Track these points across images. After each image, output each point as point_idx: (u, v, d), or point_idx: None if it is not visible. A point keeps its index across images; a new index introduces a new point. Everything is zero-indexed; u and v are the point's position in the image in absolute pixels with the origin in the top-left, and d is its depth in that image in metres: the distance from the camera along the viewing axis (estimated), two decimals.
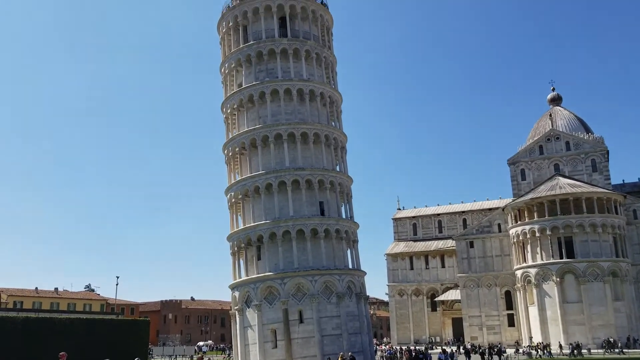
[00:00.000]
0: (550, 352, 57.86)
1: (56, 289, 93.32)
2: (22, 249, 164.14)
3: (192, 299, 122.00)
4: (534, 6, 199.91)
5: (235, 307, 50.99)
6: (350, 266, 51.98)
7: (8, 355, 27.50)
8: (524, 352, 57.37)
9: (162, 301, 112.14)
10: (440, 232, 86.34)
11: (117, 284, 72.97)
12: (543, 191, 66.32)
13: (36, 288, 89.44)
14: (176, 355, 71.89)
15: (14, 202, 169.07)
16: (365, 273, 53.41)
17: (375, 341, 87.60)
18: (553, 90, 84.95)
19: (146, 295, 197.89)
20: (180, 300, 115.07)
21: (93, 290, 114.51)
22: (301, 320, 47.35)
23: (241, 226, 52.11)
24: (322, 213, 50.78)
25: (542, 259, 63.78)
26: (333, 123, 55.34)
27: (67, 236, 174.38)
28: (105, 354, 34.98)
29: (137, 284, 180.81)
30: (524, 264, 65.86)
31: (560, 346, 58.89)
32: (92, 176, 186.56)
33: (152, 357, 66.86)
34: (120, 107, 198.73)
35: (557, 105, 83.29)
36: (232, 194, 52.73)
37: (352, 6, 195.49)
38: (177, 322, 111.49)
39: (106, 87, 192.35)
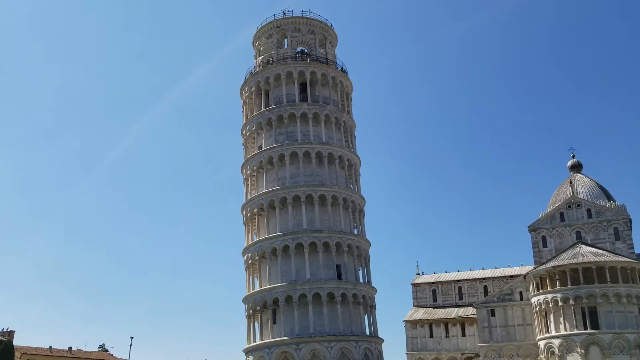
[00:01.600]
0: None
1: (70, 348, 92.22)
2: (37, 307, 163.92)
3: None
4: (554, 72, 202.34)
5: None
6: (368, 332, 51.04)
7: None
8: None
9: None
10: (461, 298, 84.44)
11: (130, 345, 71.96)
12: (565, 259, 65.02)
13: (50, 347, 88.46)
14: None
15: (31, 261, 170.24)
16: (383, 340, 52.34)
17: None
18: (573, 157, 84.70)
19: (161, 357, 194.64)
20: None
21: (107, 350, 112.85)
22: None
23: (257, 288, 51.81)
24: (340, 277, 50.42)
25: (565, 330, 61.76)
26: (351, 186, 55.71)
27: (82, 294, 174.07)
28: None
29: (152, 345, 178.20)
30: (547, 334, 63.76)
31: None
32: (109, 233, 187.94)
33: None
34: (135, 168, 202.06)
35: (578, 172, 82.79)
36: (249, 254, 52.74)
37: (374, 72, 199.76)
38: None
39: (117, 146, 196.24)
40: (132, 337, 73.66)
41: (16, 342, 75.54)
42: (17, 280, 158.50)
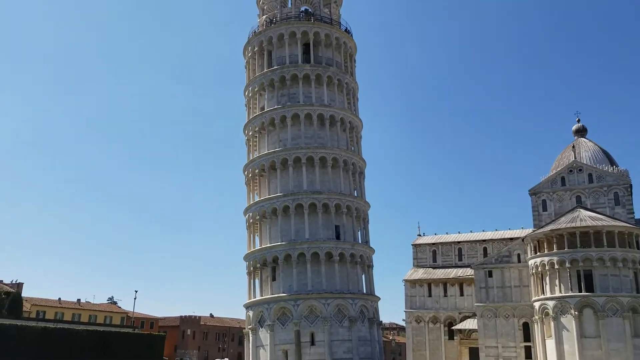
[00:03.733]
0: None
1: (78, 300, 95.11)
2: (47, 259, 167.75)
3: (211, 315, 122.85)
4: (562, 36, 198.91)
5: (249, 326, 51.66)
6: (365, 291, 52.31)
7: None
8: None
9: (181, 317, 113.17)
10: (460, 260, 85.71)
11: (135, 298, 75.86)
12: (563, 223, 65.62)
13: (59, 298, 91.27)
14: None
15: (39, 215, 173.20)
16: (379, 298, 53.62)
17: None
18: (578, 121, 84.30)
19: (166, 311, 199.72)
20: (199, 317, 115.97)
21: (115, 303, 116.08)
22: (313, 343, 47.77)
23: (258, 246, 53.01)
24: (338, 237, 51.42)
25: (560, 292, 62.89)
26: (353, 148, 56.12)
27: (92, 249, 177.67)
28: None
29: (158, 299, 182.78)
30: (542, 296, 64.96)
31: None
32: (115, 191, 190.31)
33: None
34: (142, 125, 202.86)
35: (582, 137, 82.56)
36: (250, 214, 53.74)
37: (377, 30, 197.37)
38: (195, 338, 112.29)
39: (129, 105, 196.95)
40: (136, 291, 76.99)
41: (25, 293, 78.05)
42: (25, 233, 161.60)
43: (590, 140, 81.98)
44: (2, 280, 67.82)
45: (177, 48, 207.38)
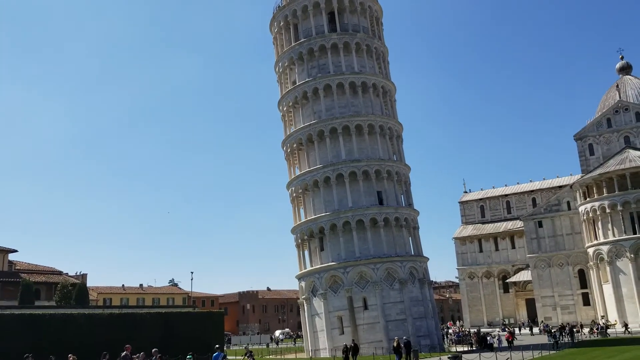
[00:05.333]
0: (629, 331, 56.23)
1: (141, 285, 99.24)
2: (108, 249, 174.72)
3: (268, 289, 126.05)
4: None
5: (303, 297, 53.02)
6: (412, 253, 52.74)
7: (98, 349, 30.52)
8: (598, 330, 56.16)
9: (240, 292, 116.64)
10: (509, 212, 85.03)
11: (191, 279, 79.32)
12: (612, 165, 64.06)
13: (123, 285, 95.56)
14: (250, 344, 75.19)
15: (98, 206, 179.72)
16: (428, 259, 54.00)
17: (449, 323, 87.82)
18: (622, 58, 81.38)
19: (226, 288, 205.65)
20: (257, 291, 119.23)
21: (176, 285, 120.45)
22: (365, 307, 48.73)
23: (303, 219, 53.99)
24: (381, 202, 51.78)
25: (614, 236, 61.83)
26: (387, 113, 55.96)
27: (149, 234, 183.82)
28: (184, 345, 37.90)
29: (217, 277, 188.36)
30: (596, 242, 64.03)
31: None
32: (164, 177, 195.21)
33: (230, 346, 70.36)
34: (186, 108, 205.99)
35: (627, 75, 79.82)
36: (293, 188, 54.65)
37: None
38: (255, 312, 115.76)
39: (169, 88, 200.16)
40: (192, 272, 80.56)
41: (90, 283, 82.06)
42: (85, 225, 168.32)
43: (636, 77, 79.22)
44: (67, 273, 71.43)
45: (206, 32, 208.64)
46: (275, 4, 59.22)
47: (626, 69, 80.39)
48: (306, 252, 54.07)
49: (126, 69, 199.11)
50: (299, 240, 53.71)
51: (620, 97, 71.90)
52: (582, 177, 68.02)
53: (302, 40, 55.42)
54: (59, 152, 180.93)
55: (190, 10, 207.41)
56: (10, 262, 64.71)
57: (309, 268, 52.76)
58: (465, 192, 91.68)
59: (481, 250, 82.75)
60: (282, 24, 57.44)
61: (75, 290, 57.72)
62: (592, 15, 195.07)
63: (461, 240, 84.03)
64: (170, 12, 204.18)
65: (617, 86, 74.99)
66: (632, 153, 65.43)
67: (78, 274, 74.39)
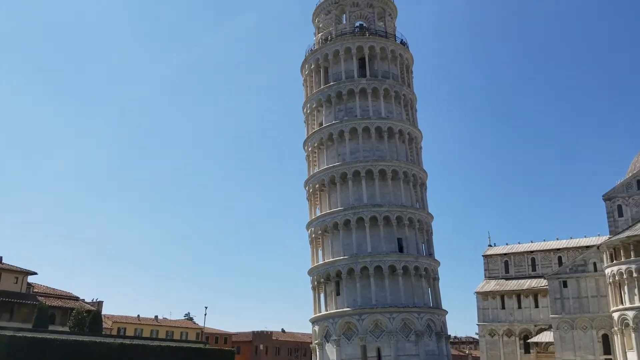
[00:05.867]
0: None
1: (156, 316, 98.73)
2: (126, 277, 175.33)
3: (283, 330, 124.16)
4: (632, 37, 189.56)
5: (316, 341, 52.01)
6: (431, 304, 51.57)
7: None
8: None
9: (253, 332, 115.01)
10: (534, 270, 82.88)
11: (205, 314, 78.40)
12: None
13: (138, 315, 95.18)
14: None
15: (117, 234, 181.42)
16: (447, 312, 52.69)
17: None
18: None
19: (239, 325, 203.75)
20: (271, 332, 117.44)
21: (191, 319, 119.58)
22: (379, 358, 47.53)
23: (321, 261, 53.46)
24: (401, 250, 51.08)
25: None
26: (412, 159, 55.77)
27: (168, 266, 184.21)
28: None
29: (232, 314, 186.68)
30: (621, 306, 61.71)
31: None
32: (188, 209, 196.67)
33: None
34: (207, 143, 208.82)
35: None
36: (313, 229, 54.35)
37: (436, 38, 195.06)
38: (268, 353, 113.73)
39: (197, 122, 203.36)
40: (206, 307, 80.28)
41: (106, 311, 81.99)
42: (104, 252, 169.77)
43: None
44: (84, 299, 71.58)
45: (240, 69, 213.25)
46: (308, 47, 60.42)
47: None
48: (322, 296, 53.32)
49: (154, 105, 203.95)
50: (315, 283, 53.07)
51: None
52: (609, 238, 66.17)
53: (332, 83, 56.08)
54: (83, 174, 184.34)
55: (225, 48, 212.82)
56: (29, 284, 65.14)
57: (323, 312, 51.93)
58: (490, 245, 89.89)
59: (503, 307, 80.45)
60: (313, 66, 58.34)
61: (90, 317, 57.59)
62: (624, 77, 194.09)
63: (483, 295, 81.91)
64: (206, 49, 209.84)
65: None
66: None
67: (94, 300, 74.48)
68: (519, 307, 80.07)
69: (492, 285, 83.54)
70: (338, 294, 51.04)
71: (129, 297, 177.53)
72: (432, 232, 54.98)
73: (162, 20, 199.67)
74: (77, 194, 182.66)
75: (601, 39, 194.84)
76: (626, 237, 62.13)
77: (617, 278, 62.65)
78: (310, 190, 55.63)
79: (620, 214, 68.77)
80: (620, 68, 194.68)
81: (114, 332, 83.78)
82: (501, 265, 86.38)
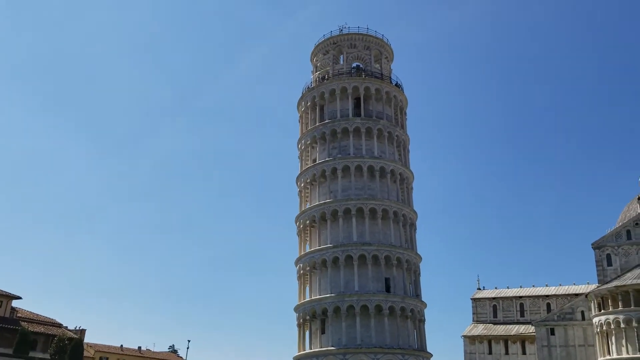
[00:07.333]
0: None
1: (139, 347, 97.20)
2: (111, 306, 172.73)
3: None
4: (624, 86, 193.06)
5: None
6: (416, 346, 51.20)
7: None
8: None
9: None
10: (522, 315, 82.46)
11: (188, 348, 77.15)
12: (629, 279, 62.40)
13: (121, 346, 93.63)
14: None
15: (104, 262, 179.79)
16: (431, 355, 52.28)
17: None
18: None
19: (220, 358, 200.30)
20: None
21: (176, 352, 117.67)
22: None
23: (308, 298, 53.20)
24: (388, 290, 50.99)
25: (627, 353, 59.24)
26: (403, 200, 56.13)
27: (153, 297, 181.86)
28: None
29: (216, 347, 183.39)
30: (608, 357, 61.33)
31: None
32: (173, 242, 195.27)
33: None
34: (190, 174, 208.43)
35: None
36: (301, 265, 54.27)
37: (430, 81, 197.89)
38: None
39: (182, 154, 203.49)
40: (189, 341, 78.97)
41: (88, 339, 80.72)
42: (89, 279, 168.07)
43: None
44: (67, 327, 70.55)
45: (233, 99, 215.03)
46: (305, 85, 61.41)
47: None
48: (307, 333, 52.89)
49: (145, 135, 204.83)
50: (301, 320, 52.71)
51: None
52: (598, 287, 66.23)
53: (327, 121, 56.84)
54: (69, 200, 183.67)
55: (220, 80, 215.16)
56: (13, 309, 64.28)
57: (307, 350, 51.44)
58: (479, 288, 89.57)
59: (490, 352, 79.71)
60: (309, 103, 59.19)
61: (72, 345, 56.81)
62: (616, 126, 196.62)
63: (470, 339, 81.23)
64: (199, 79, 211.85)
65: (639, 199, 74.36)
66: None
67: (77, 328, 73.30)
68: (506, 352, 79.33)
69: (480, 329, 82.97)
70: (323, 332, 50.65)
71: (112, 327, 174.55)
72: (419, 273, 54.97)
73: (172, 65, 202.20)
74: (64, 222, 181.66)
75: (593, 85, 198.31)
76: (614, 286, 62.22)
77: (604, 328, 62.47)
78: (301, 226, 55.74)
79: (610, 263, 68.97)
80: (613, 116, 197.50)
81: None
82: (489, 310, 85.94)
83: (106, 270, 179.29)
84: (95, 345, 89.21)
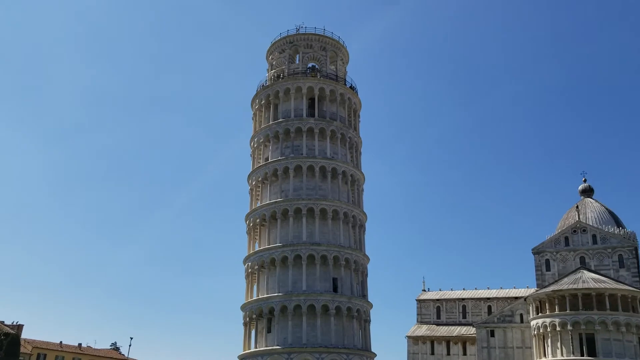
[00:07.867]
0: None
1: (80, 344, 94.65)
2: (49, 302, 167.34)
3: None
4: (568, 95, 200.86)
5: None
6: (360, 346, 51.83)
7: None
8: None
9: None
10: (465, 317, 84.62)
11: (130, 345, 75.90)
12: (566, 284, 65.05)
13: (60, 342, 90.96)
14: None
15: (42, 256, 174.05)
16: (375, 355, 53.05)
17: None
18: (585, 181, 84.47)
19: (163, 357, 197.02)
20: None
21: (118, 349, 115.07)
22: None
23: (255, 297, 53.10)
24: (335, 290, 51.44)
25: (562, 355, 61.75)
26: (354, 201, 56.72)
27: (94, 292, 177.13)
28: None
29: (160, 345, 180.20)
30: (544, 359, 63.81)
31: None
32: (119, 235, 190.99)
33: None
34: (139, 170, 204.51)
35: (588, 197, 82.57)
36: (249, 264, 54.11)
37: (384, 86, 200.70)
38: None
39: (134, 150, 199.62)
40: (131, 338, 77.50)
41: (26, 335, 78.15)
42: (27, 274, 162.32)
43: (596, 201, 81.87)
44: (3, 322, 68.12)
45: (186, 94, 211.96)
46: (260, 83, 61.20)
47: (587, 192, 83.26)
48: (253, 332, 52.78)
49: (104, 120, 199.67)
50: (247, 319, 52.58)
51: (579, 218, 74.06)
52: (536, 291, 68.69)
53: (281, 120, 56.84)
54: (11, 195, 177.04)
55: (176, 74, 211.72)
56: None
57: (252, 349, 51.33)
58: (424, 290, 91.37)
59: (432, 353, 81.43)
60: (263, 101, 59.04)
61: (8, 340, 54.99)
62: (558, 136, 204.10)
63: (414, 340, 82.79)
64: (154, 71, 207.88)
65: (577, 207, 77.42)
66: (586, 274, 66.68)
67: (14, 323, 70.89)
68: (448, 353, 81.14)
69: (424, 330, 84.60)
70: (269, 331, 50.67)
71: (51, 323, 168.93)
72: (367, 274, 55.68)
73: (137, 81, 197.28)
74: (3, 215, 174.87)
75: (545, 93, 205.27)
76: (552, 291, 64.61)
77: (541, 331, 64.79)
78: (251, 225, 55.56)
79: (548, 268, 71.58)
80: (556, 125, 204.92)
81: (34, 358, 79.79)
82: (433, 311, 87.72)
83: (44, 265, 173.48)
84: (33, 341, 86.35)
